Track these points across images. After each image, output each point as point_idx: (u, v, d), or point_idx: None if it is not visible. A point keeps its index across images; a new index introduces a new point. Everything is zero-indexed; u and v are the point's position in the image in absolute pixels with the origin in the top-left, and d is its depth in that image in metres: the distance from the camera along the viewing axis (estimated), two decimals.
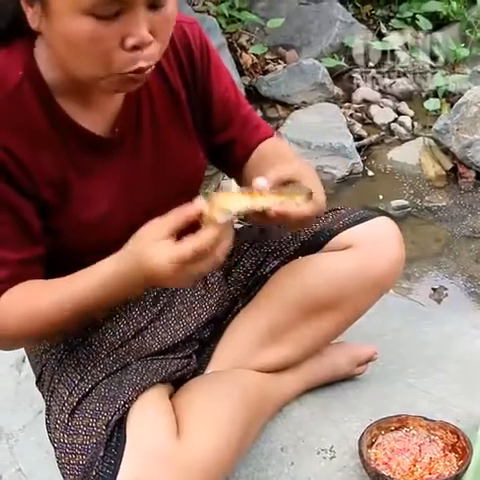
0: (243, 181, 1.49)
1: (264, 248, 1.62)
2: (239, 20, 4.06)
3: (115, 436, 1.31)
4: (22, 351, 1.71)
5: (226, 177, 2.50)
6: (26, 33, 1.22)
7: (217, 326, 1.59)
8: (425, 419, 1.56)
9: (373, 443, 1.53)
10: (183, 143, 1.44)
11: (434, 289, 2.59)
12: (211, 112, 1.47)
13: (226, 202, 1.15)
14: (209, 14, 4.04)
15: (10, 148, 1.23)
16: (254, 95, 3.76)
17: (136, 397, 1.36)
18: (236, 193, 1.19)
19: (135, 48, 1.15)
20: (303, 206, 1.22)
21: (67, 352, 1.47)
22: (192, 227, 1.15)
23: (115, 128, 1.34)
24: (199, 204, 1.14)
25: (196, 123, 1.46)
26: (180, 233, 1.15)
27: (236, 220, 1.17)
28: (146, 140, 1.38)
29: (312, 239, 1.60)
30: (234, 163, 1.52)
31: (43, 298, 1.26)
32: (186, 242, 1.13)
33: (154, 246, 1.15)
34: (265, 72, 3.92)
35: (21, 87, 1.24)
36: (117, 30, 1.13)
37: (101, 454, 1.30)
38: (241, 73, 3.86)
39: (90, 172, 1.33)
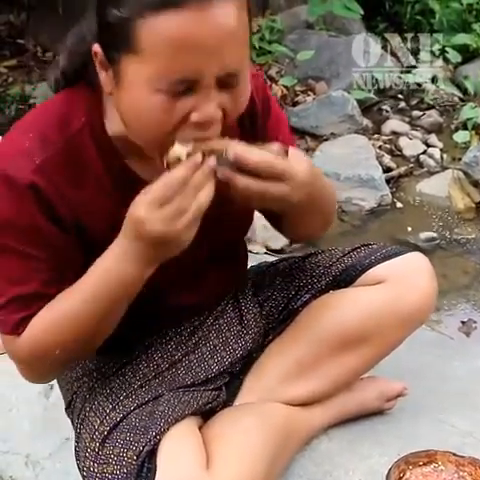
0: (283, 227, 1.53)
1: (296, 282, 1.63)
2: (269, 52, 4.10)
3: (145, 467, 1.32)
4: None
5: None
6: (91, 81, 1.26)
7: (247, 359, 1.59)
8: (454, 455, 1.54)
9: (401, 478, 1.51)
10: None
11: (463, 322, 2.57)
12: None
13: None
14: None
15: (65, 195, 1.26)
16: None
17: (167, 428, 1.37)
18: None
19: (198, 125, 1.16)
20: (269, 151, 1.21)
21: (100, 381, 1.48)
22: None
23: None
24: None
25: None
26: None
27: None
28: None
29: (344, 273, 1.61)
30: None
31: (57, 310, 1.29)
32: (158, 180, 1.16)
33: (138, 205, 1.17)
34: (295, 104, 3.94)
35: (82, 134, 1.27)
36: (184, 107, 1.15)
37: None
38: None
39: None
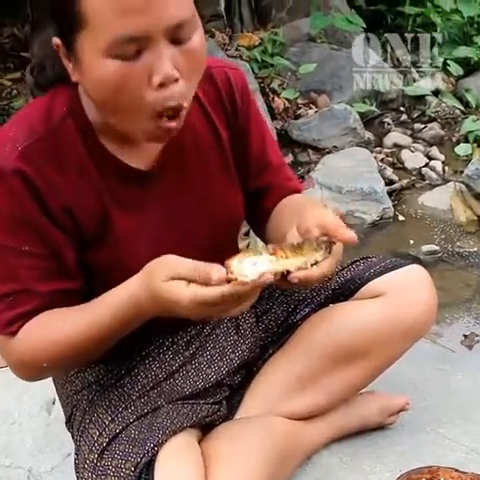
0: (265, 230, 1.53)
1: (295, 295, 1.63)
2: (271, 65, 4.10)
3: (143, 478, 1.32)
4: (52, 393, 1.72)
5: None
6: (68, 81, 1.27)
7: (247, 373, 1.60)
8: (456, 471, 1.54)
9: None
10: (225, 180, 1.46)
11: (465, 335, 2.55)
12: (249, 157, 1.50)
13: (251, 263, 1.15)
14: (242, 59, 4.09)
15: (52, 182, 1.27)
16: (285, 139, 3.78)
17: (166, 440, 1.37)
18: (261, 251, 1.19)
19: (162, 85, 1.16)
20: (322, 264, 1.20)
21: (99, 393, 1.48)
22: None
23: (154, 163, 1.37)
24: (222, 272, 1.13)
25: (236, 165, 1.48)
26: None
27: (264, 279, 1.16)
28: (190, 176, 1.41)
29: (343, 287, 1.61)
30: (263, 211, 1.54)
31: (57, 325, 1.29)
32: (216, 287, 1.13)
33: (170, 283, 1.15)
34: (297, 117, 3.94)
35: (64, 123, 1.29)
36: (142, 68, 1.15)
37: None
38: (273, 117, 3.88)
39: (131, 206, 1.35)
